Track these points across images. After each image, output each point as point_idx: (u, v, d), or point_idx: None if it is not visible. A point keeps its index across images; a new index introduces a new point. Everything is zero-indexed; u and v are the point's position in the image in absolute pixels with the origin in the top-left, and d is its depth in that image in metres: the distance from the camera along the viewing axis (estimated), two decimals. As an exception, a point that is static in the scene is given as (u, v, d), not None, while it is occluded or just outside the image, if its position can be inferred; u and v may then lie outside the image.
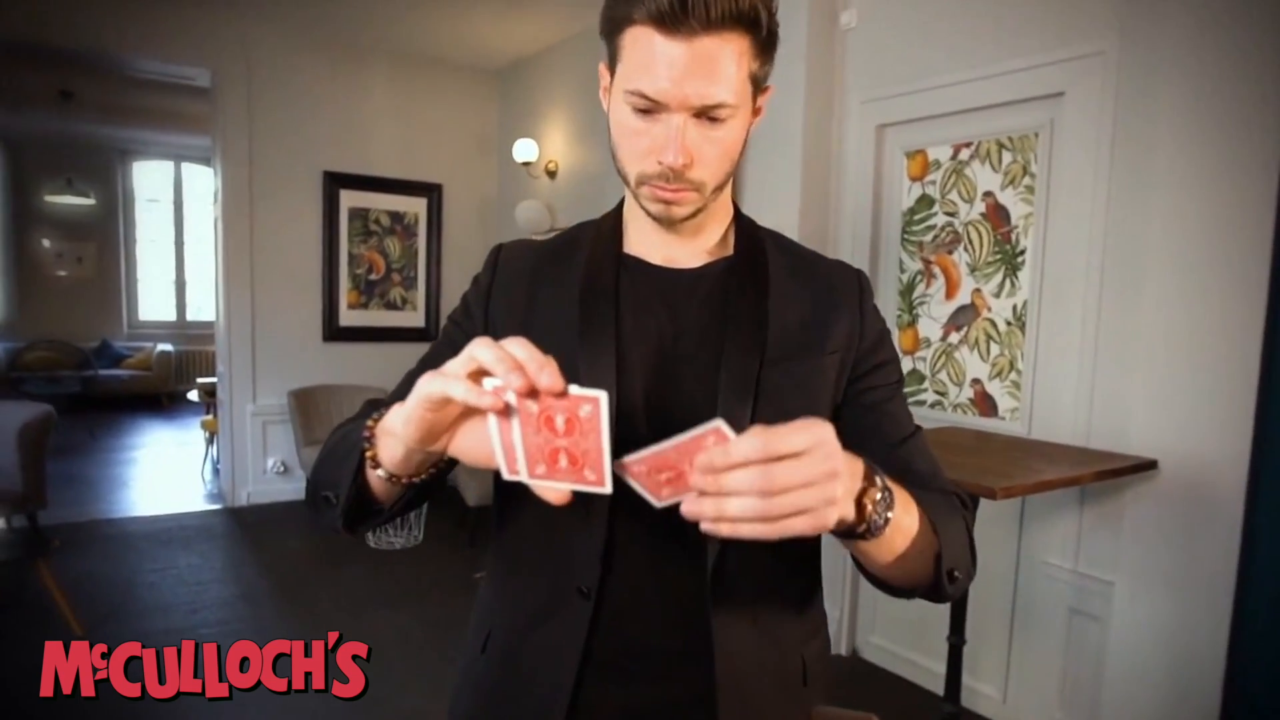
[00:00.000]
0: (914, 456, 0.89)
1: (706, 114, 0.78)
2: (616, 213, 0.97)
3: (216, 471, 5.99)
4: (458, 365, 0.64)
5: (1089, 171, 2.54)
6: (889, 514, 0.69)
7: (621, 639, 0.86)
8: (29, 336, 8.93)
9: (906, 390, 3.13)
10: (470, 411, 0.67)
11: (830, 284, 0.93)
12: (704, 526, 0.61)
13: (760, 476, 0.57)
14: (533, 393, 0.62)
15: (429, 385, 0.64)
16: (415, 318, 5.84)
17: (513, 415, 0.63)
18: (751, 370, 0.84)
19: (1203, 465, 2.27)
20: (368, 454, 0.76)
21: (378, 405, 0.95)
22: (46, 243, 9.20)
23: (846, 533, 0.69)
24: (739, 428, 0.79)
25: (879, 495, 0.68)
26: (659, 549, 0.85)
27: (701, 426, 0.61)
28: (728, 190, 0.91)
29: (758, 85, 0.82)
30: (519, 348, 0.62)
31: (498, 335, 0.93)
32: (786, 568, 0.90)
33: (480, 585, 1.01)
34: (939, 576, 0.78)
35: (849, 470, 0.65)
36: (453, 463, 0.78)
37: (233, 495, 5.34)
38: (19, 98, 7.17)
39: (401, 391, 0.95)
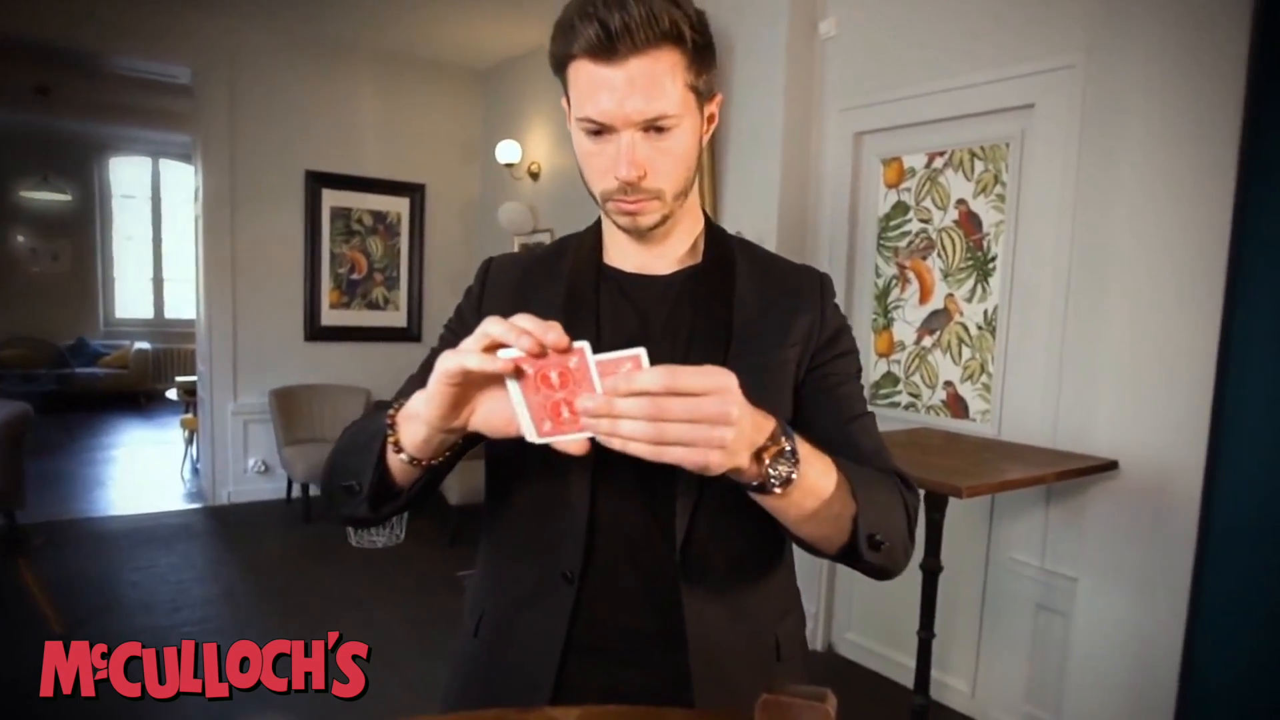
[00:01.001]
0: (860, 435, 0.95)
1: (652, 127, 0.85)
2: (597, 226, 1.04)
3: (196, 470, 5.98)
4: (472, 342, 0.72)
5: (1057, 181, 2.62)
6: (792, 473, 0.73)
7: (603, 622, 0.93)
8: (3, 334, 8.84)
9: (882, 392, 3.23)
10: (488, 386, 0.76)
11: (793, 285, 1.00)
12: (600, 438, 0.69)
13: (652, 405, 0.66)
14: (540, 360, 0.71)
15: (448, 361, 0.73)
16: (397, 317, 5.86)
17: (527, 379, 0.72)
18: (715, 365, 0.91)
19: (1161, 466, 2.36)
20: (390, 439, 0.83)
21: (385, 407, 1.01)
22: (21, 239, 9.11)
23: (751, 487, 0.74)
24: None
25: (781, 452, 0.73)
26: (635, 532, 0.92)
27: (623, 351, 0.70)
28: (695, 201, 0.99)
29: (701, 94, 0.89)
30: (524, 319, 0.71)
31: None
32: (753, 545, 0.96)
33: (475, 568, 1.07)
34: (856, 539, 0.82)
35: (753, 425, 0.71)
36: (467, 446, 0.87)
37: (213, 494, 5.33)
38: (-7, 93, 7.10)
39: (405, 394, 1.02)
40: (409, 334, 5.87)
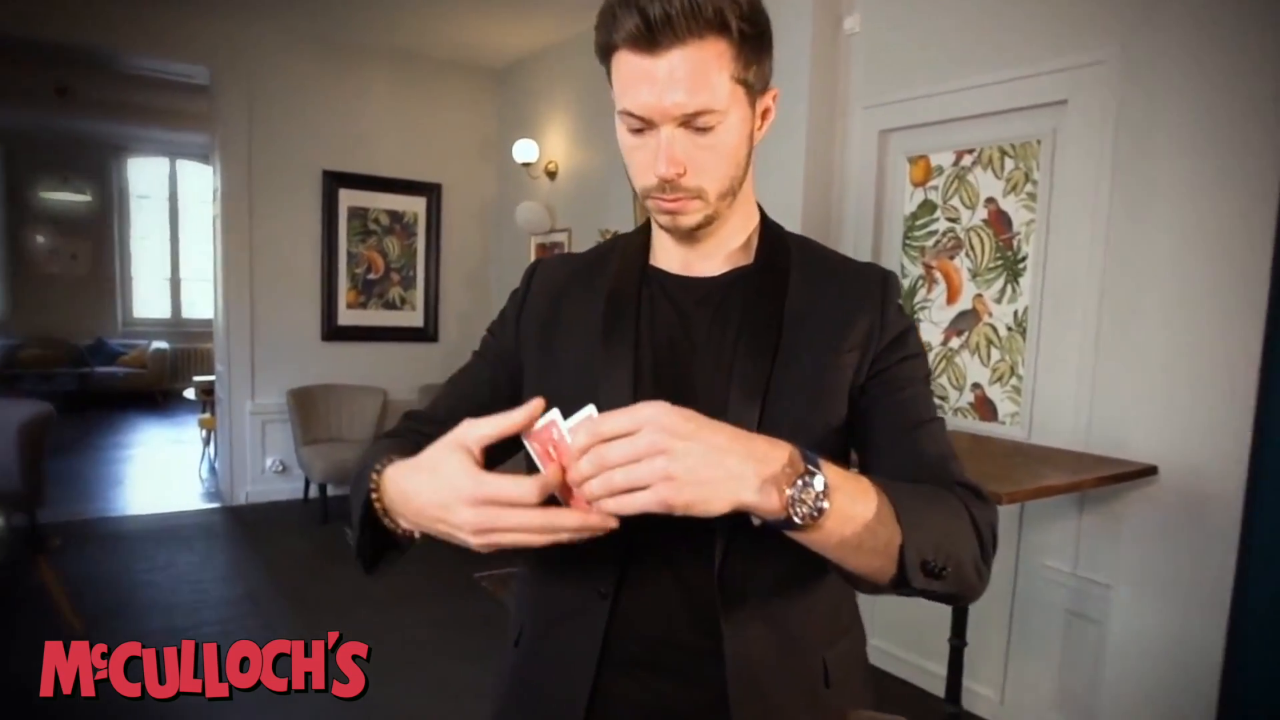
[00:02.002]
0: (924, 443, 0.88)
1: (692, 122, 0.80)
2: (646, 225, 0.99)
3: (214, 470, 5.98)
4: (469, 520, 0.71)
5: (1091, 179, 2.57)
6: (821, 503, 0.68)
7: (639, 638, 0.89)
8: (23, 334, 8.90)
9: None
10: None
11: (853, 285, 0.93)
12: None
13: (594, 458, 0.66)
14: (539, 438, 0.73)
15: (453, 530, 0.72)
16: (414, 317, 5.84)
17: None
18: (762, 372, 0.86)
19: (1202, 472, 2.30)
20: (375, 501, 0.80)
21: (414, 417, 0.97)
22: (41, 239, 9.16)
23: (780, 524, 0.69)
24: (746, 429, 0.81)
25: (803, 481, 0.68)
26: (674, 550, 0.88)
27: (579, 413, 0.70)
28: (749, 198, 0.94)
29: (751, 88, 0.84)
30: (489, 422, 0.74)
31: (527, 346, 0.98)
32: (797, 564, 0.89)
33: (515, 580, 1.04)
34: (904, 568, 0.74)
35: (748, 454, 0.67)
36: None
37: (231, 494, 5.33)
38: (14, 94, 7.13)
39: (440, 405, 0.99)
40: (425, 334, 5.85)
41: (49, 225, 9.16)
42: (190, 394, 6.78)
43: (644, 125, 0.82)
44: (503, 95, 5.92)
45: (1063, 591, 2.70)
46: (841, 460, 0.91)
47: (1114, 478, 2.32)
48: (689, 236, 0.91)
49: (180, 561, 4.29)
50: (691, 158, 0.82)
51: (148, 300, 9.98)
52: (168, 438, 7.78)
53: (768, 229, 0.97)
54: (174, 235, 9.99)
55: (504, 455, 0.82)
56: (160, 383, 9.42)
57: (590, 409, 0.70)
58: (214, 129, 5.19)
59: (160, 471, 6.41)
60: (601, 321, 0.92)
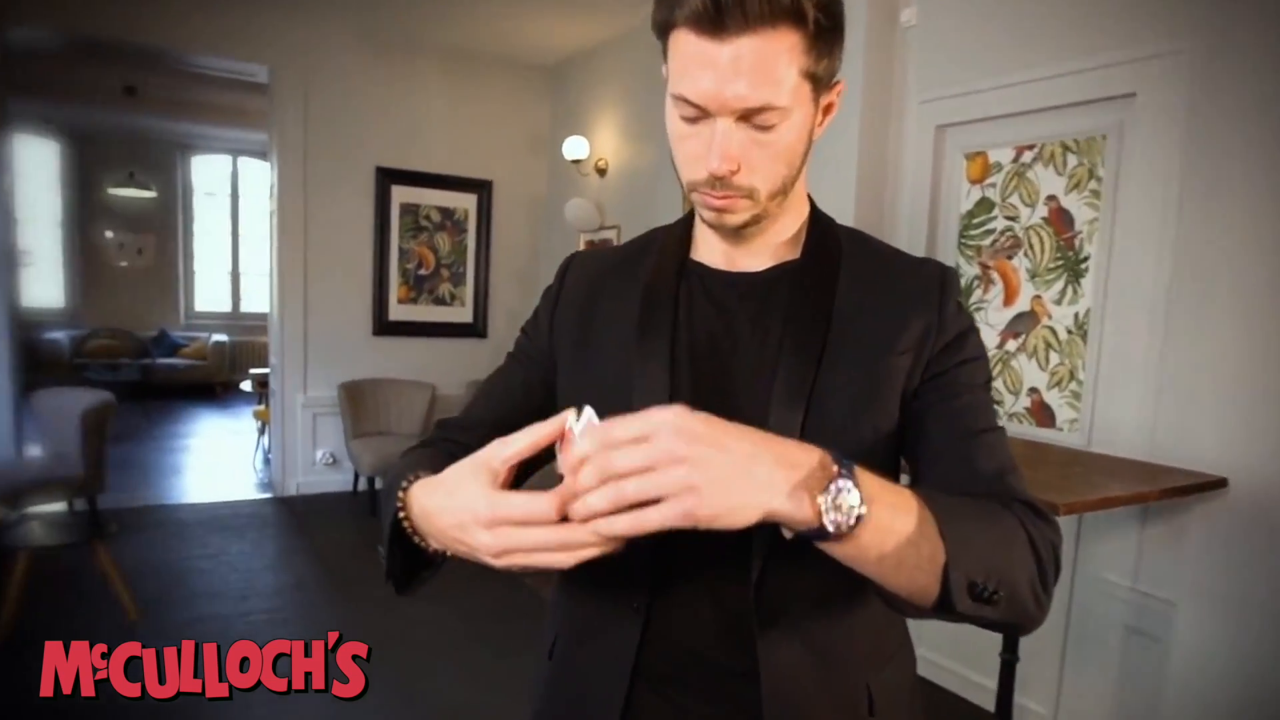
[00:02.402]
0: (981, 454, 0.80)
1: (752, 118, 0.74)
2: (688, 218, 0.95)
3: (268, 461, 6.11)
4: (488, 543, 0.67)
5: (1160, 177, 2.45)
6: (857, 510, 0.61)
7: (673, 654, 0.85)
8: (91, 325, 9.21)
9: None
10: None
11: (908, 282, 0.86)
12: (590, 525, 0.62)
13: (599, 468, 0.59)
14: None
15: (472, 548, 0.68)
16: (463, 313, 5.89)
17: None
18: (807, 375, 0.81)
19: (1276, 485, 2.17)
20: (403, 519, 0.76)
21: (446, 426, 0.95)
22: (109, 234, 9.47)
23: (813, 534, 0.63)
24: (788, 433, 0.75)
25: (837, 487, 0.61)
26: (710, 564, 0.83)
27: (582, 417, 0.65)
28: (800, 191, 0.88)
29: (819, 82, 0.77)
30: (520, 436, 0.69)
31: (561, 344, 0.94)
32: (839, 588, 0.83)
33: (550, 588, 1.01)
34: (948, 591, 0.66)
35: (794, 462, 0.61)
36: None
37: (283, 485, 5.43)
38: (85, 93, 7.39)
39: (473, 411, 0.96)
40: (474, 330, 5.89)
41: (117, 220, 9.47)
42: (247, 386, 6.94)
43: (699, 114, 0.75)
44: (554, 92, 5.93)
45: (1122, 606, 2.58)
46: (892, 471, 0.84)
47: (1180, 490, 2.21)
48: (734, 234, 0.86)
49: (232, 550, 4.38)
50: (747, 155, 0.76)
51: (209, 294, 10.26)
52: (225, 428, 7.97)
53: (817, 222, 0.91)
54: (235, 231, 10.24)
55: (542, 463, 0.78)
56: (219, 374, 9.66)
57: (588, 410, 0.65)
58: (271, 126, 5.29)
59: (216, 461, 6.57)
60: (637, 318, 0.88)
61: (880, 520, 0.63)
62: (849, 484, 0.61)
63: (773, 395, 0.81)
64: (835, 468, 0.62)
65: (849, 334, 0.83)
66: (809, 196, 0.92)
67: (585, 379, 0.91)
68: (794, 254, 0.89)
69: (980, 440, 0.81)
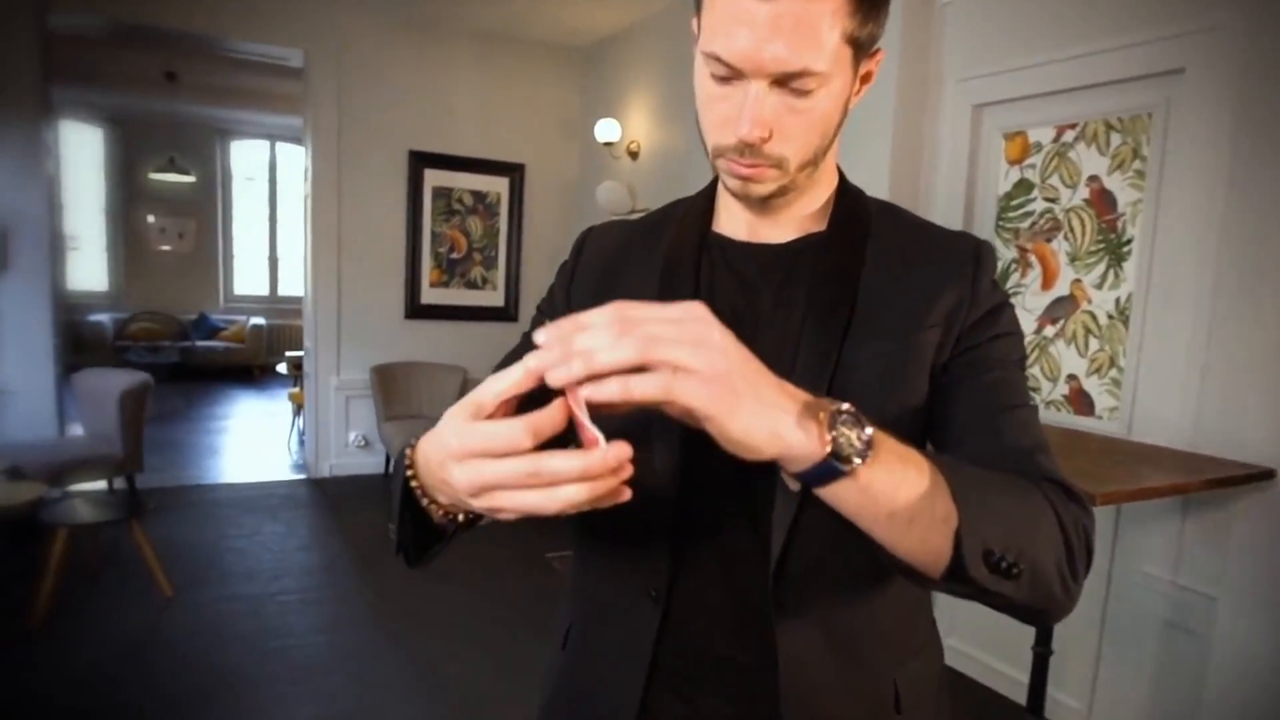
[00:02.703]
0: (1010, 429, 0.75)
1: (788, 83, 0.69)
2: (710, 188, 0.91)
3: (302, 442, 6.19)
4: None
5: (1208, 156, 2.35)
6: (862, 434, 0.56)
7: (690, 647, 0.82)
8: (133, 307, 9.39)
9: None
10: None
11: (940, 255, 0.81)
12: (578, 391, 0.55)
13: (564, 330, 0.55)
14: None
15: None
16: (495, 297, 5.89)
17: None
18: (831, 349, 0.77)
19: (1327, 477, 2.09)
20: (413, 483, 0.70)
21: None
22: (151, 218, 9.64)
23: (816, 472, 0.57)
24: None
25: (842, 416, 0.56)
26: (728, 548, 0.80)
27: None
28: (831, 160, 0.83)
29: (860, 48, 0.72)
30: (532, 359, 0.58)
31: None
32: (864, 575, 0.80)
33: (566, 572, 0.99)
34: (961, 557, 0.61)
35: (796, 394, 0.58)
36: None
37: (316, 466, 5.50)
38: (127, 79, 7.50)
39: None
40: (506, 314, 5.89)
41: (158, 204, 9.63)
42: (282, 368, 7.03)
43: (731, 75, 0.70)
44: (585, 75, 5.89)
45: (1161, 600, 2.51)
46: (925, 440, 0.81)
47: (1224, 480, 2.13)
48: (760, 204, 0.82)
49: (265, 530, 4.45)
50: (781, 122, 0.71)
51: (248, 277, 10.40)
52: (261, 410, 8.10)
53: (845, 193, 0.86)
54: (273, 215, 10.37)
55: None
56: (257, 357, 9.81)
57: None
58: (306, 110, 5.32)
59: (252, 443, 6.67)
60: (656, 293, 0.84)
61: (890, 463, 0.59)
62: (855, 415, 0.57)
63: (794, 370, 0.77)
64: (838, 405, 0.58)
65: (876, 308, 0.79)
66: (838, 167, 0.87)
67: None
68: (820, 226, 0.84)
69: (1010, 415, 0.76)
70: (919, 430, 0.80)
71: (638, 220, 0.96)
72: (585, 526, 0.89)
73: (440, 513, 0.69)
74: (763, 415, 0.55)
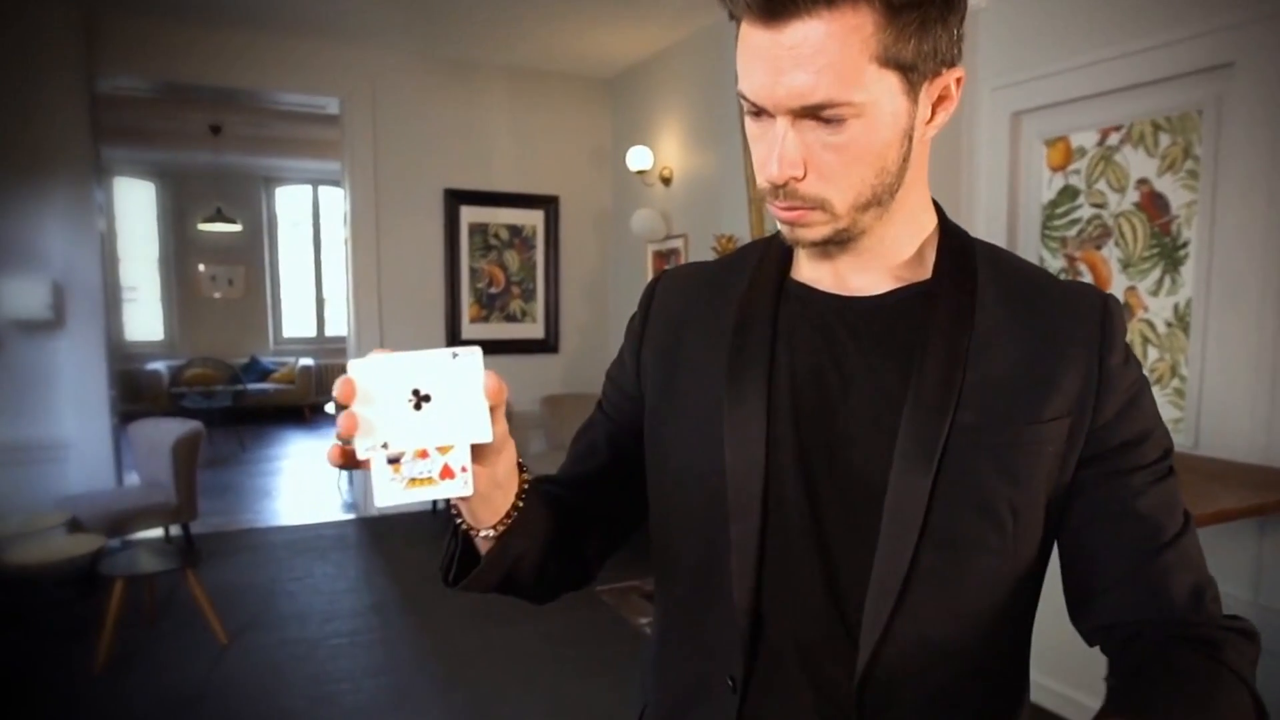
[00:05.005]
0: (1170, 571, 0.68)
1: (815, 115, 0.63)
2: None
3: (351, 481, 6.24)
4: None
5: (1265, 150, 2.24)
6: None
7: None
8: (188, 354, 9.63)
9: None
10: None
11: (1060, 320, 0.71)
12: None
13: None
14: None
15: None
16: (535, 329, 5.90)
17: None
18: (937, 434, 0.67)
19: None
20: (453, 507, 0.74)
21: (548, 478, 0.89)
22: (202, 267, 9.90)
23: None
24: (917, 504, 0.66)
25: None
26: (810, 636, 0.73)
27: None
28: (918, 202, 0.75)
29: (909, 71, 0.64)
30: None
31: (648, 382, 0.84)
32: (958, 683, 0.72)
33: (641, 650, 0.94)
34: None
35: None
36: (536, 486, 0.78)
37: (365, 505, 5.53)
38: (174, 135, 7.75)
39: (565, 468, 0.91)
40: (547, 345, 5.89)
41: (208, 253, 9.89)
42: (330, 408, 7.11)
43: (759, 112, 0.66)
44: (615, 104, 5.91)
45: (1243, 622, 2.37)
46: (1043, 551, 0.73)
47: (1304, 495, 2.00)
48: (821, 252, 0.74)
49: (316, 572, 4.47)
50: (815, 159, 0.65)
51: (295, 319, 10.60)
52: (312, 450, 8.20)
53: (948, 237, 0.76)
54: (317, 257, 10.57)
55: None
56: (306, 397, 9.96)
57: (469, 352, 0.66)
58: (344, 155, 5.41)
59: (304, 483, 6.74)
60: (729, 348, 0.76)
61: None
62: None
63: (896, 451, 0.68)
64: None
65: (989, 382, 0.69)
66: (936, 205, 0.78)
67: (668, 422, 0.80)
68: (918, 274, 0.74)
69: (1171, 553, 0.69)
70: (1045, 525, 0.72)
71: (711, 264, 0.88)
72: (666, 586, 0.85)
73: (473, 530, 0.73)
74: None
